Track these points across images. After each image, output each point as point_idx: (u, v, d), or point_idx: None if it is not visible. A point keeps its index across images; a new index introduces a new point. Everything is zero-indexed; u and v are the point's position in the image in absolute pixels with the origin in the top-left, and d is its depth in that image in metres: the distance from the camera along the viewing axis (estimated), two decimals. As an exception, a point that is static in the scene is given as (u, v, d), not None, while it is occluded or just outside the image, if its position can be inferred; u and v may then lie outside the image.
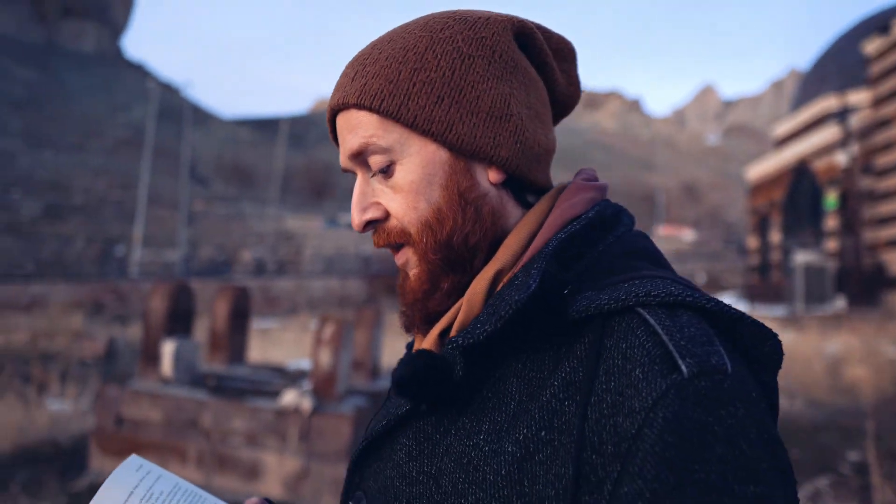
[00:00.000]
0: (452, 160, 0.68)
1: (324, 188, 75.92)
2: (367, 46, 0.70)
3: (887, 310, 16.56)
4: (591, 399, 0.54)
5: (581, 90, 0.80)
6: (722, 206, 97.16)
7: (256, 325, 16.28)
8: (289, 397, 5.23)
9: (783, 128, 25.96)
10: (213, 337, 6.89)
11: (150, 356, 5.83)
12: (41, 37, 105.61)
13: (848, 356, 10.18)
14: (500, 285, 0.65)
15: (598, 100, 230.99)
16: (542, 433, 0.56)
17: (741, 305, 27.37)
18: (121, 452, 5.60)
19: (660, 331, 0.55)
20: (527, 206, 0.72)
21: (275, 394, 5.62)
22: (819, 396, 8.75)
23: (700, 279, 40.37)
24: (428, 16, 0.71)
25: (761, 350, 0.59)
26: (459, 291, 0.69)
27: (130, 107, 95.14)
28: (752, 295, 26.22)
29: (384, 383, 6.65)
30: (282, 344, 13.60)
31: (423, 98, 0.66)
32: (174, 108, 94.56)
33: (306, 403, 5.14)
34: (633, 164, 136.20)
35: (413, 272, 0.70)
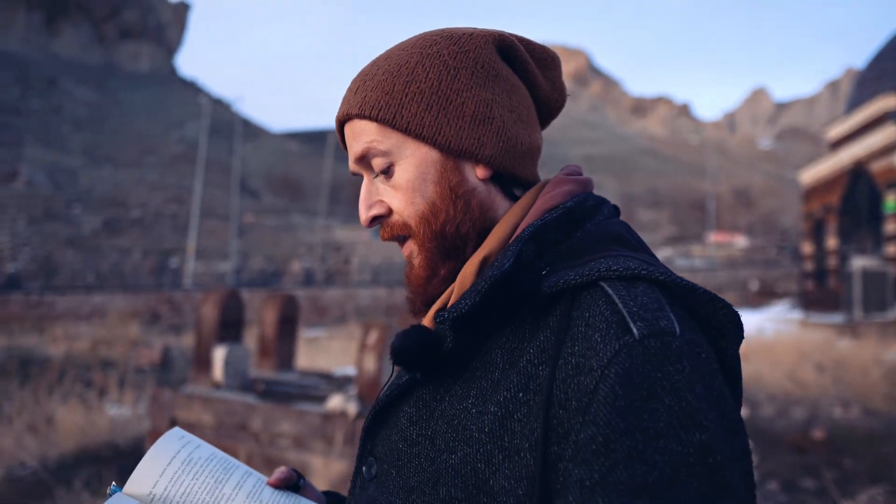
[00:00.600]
0: (443, 159, 0.77)
1: (370, 199, 76.88)
2: (369, 63, 0.81)
3: (952, 316, 15.89)
4: (558, 362, 0.62)
5: (566, 94, 0.88)
6: (776, 212, 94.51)
7: (305, 334, 16.60)
8: (335, 402, 5.35)
9: (838, 129, 25.20)
10: (262, 344, 7.09)
11: (203, 362, 6.04)
12: (101, 59, 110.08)
13: (908, 364, 9.82)
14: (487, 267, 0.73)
15: (645, 105, 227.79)
16: (520, 394, 0.64)
17: (795, 313, 26.56)
18: (175, 454, 5.83)
19: (616, 300, 0.63)
20: (514, 199, 0.81)
21: (321, 398, 5.75)
22: (876, 405, 8.47)
23: (752, 286, 39.33)
24: (421, 34, 0.81)
25: (716, 318, 0.66)
26: (455, 277, 0.78)
27: (184, 123, 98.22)
28: (808, 302, 25.44)
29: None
30: (329, 352, 13.83)
31: (415, 106, 0.75)
32: (225, 123, 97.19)
33: (352, 408, 5.25)
34: (682, 170, 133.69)
35: (415, 261, 0.79)
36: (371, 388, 5.43)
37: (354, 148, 0.79)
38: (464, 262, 0.77)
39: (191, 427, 5.82)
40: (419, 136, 0.75)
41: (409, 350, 0.70)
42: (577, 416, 0.59)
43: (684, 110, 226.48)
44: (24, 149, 69.13)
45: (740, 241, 67.84)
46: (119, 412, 7.90)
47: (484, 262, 0.74)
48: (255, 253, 53.78)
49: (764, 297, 36.78)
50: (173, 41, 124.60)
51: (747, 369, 11.21)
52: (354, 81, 0.80)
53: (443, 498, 0.66)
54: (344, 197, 79.31)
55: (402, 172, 0.77)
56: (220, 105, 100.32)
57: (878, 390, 8.86)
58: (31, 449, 6.44)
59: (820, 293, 24.87)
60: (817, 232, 26.08)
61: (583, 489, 0.56)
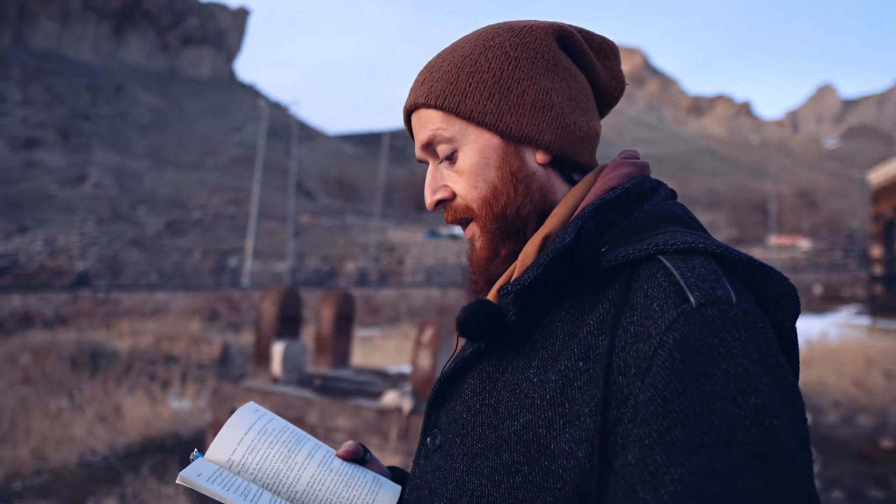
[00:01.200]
0: (504, 145, 0.80)
1: (424, 200, 77.36)
2: (435, 56, 0.84)
3: None
4: (618, 332, 0.64)
5: (625, 83, 0.90)
6: (842, 214, 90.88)
7: (359, 333, 16.83)
8: (390, 398, 5.42)
9: (910, 127, 24.14)
10: (319, 340, 7.23)
11: (262, 356, 6.21)
12: (164, 65, 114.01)
13: None
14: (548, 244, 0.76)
15: (703, 105, 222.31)
16: (580, 364, 0.67)
17: (863, 319, 25.52)
18: (235, 446, 6.01)
19: (674, 271, 0.65)
20: (573, 183, 0.83)
21: (377, 395, 5.84)
22: (951, 414, 8.08)
23: (816, 291, 37.95)
24: (484, 27, 0.85)
25: (773, 290, 0.67)
26: (515, 257, 0.80)
27: (242, 127, 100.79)
28: (876, 307, 24.41)
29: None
30: (383, 351, 13.99)
31: (478, 95, 0.78)
32: (282, 125, 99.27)
33: (406, 404, 5.31)
34: (742, 170, 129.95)
35: (477, 243, 0.82)
36: (426, 384, 5.48)
37: (421, 135, 0.82)
38: (523, 243, 0.80)
39: (250, 420, 6.01)
40: (481, 123, 0.79)
41: (474, 322, 0.73)
42: (636, 381, 0.61)
43: (744, 109, 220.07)
44: (93, 153, 72.20)
45: (803, 243, 65.49)
46: (181, 405, 8.18)
47: (545, 241, 0.76)
48: (311, 253, 54.77)
49: (829, 301, 35.44)
50: (233, 47, 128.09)
51: (810, 375, 10.85)
52: (421, 73, 0.84)
53: (505, 463, 0.68)
54: (397, 198, 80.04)
55: (466, 158, 0.80)
56: (277, 108, 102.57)
57: (953, 399, 8.46)
58: (101, 437, 6.74)
59: (889, 298, 23.83)
60: (887, 234, 25.00)
61: (642, 447, 0.58)
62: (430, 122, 0.81)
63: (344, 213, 72.53)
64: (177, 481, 0.76)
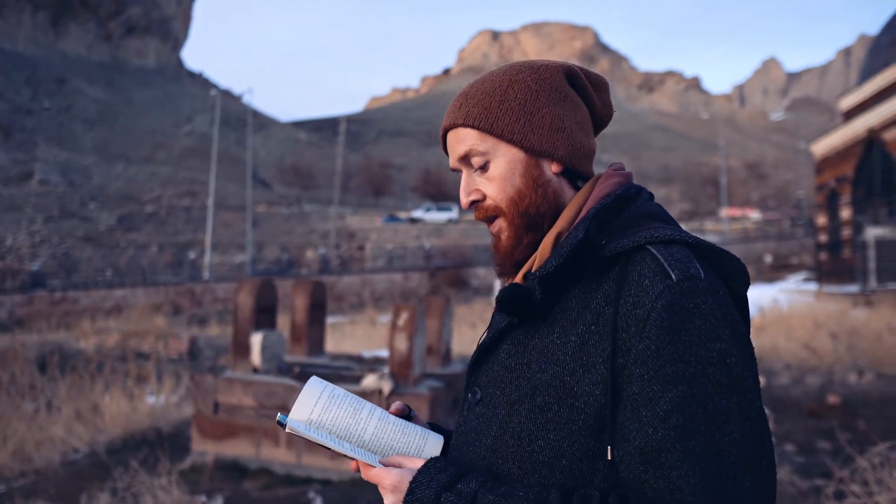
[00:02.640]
0: (527, 158, 1.03)
1: (382, 185, 76.95)
2: (468, 86, 1.07)
3: (968, 282, 15.92)
4: (620, 302, 0.88)
5: (613, 110, 1.14)
6: (789, 184, 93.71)
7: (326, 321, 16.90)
8: (369, 381, 5.63)
9: (852, 98, 25.07)
10: (294, 329, 7.37)
11: (241, 347, 6.34)
12: (108, 56, 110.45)
13: (922, 330, 9.97)
14: (561, 240, 0.99)
15: (654, 81, 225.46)
16: (593, 327, 0.90)
17: (810, 285, 26.59)
18: (219, 436, 6.14)
19: (659, 257, 0.89)
20: (577, 189, 1.07)
21: (356, 379, 6.04)
22: (890, 371, 8.66)
23: (767, 260, 39.27)
24: (509, 64, 1.08)
25: (729, 268, 0.94)
26: (534, 246, 1.04)
27: (192, 117, 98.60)
28: (822, 274, 25.48)
29: (456, 367, 7.00)
30: (353, 337, 14.14)
31: (507, 119, 1.01)
32: (233, 115, 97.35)
33: (386, 385, 5.53)
34: (694, 145, 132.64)
35: (504, 235, 1.05)
36: (403, 367, 5.71)
37: (458, 149, 1.04)
38: (541, 235, 1.03)
39: (233, 409, 6.15)
40: (510, 141, 1.01)
41: (511, 301, 0.96)
42: (635, 336, 0.85)
43: (694, 84, 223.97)
44: (37, 149, 69.81)
45: (753, 214, 67.42)
46: (157, 400, 8.25)
47: (558, 237, 0.99)
48: (270, 243, 54.20)
49: (779, 270, 36.74)
50: (179, 35, 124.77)
51: (763, 340, 11.41)
52: (457, 99, 1.06)
53: (539, 404, 0.92)
54: (354, 184, 79.52)
55: (496, 167, 1.03)
56: (228, 97, 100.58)
57: (892, 357, 9.04)
58: (81, 436, 6.80)
59: (834, 264, 24.90)
60: (831, 203, 26.05)
61: (642, 381, 0.84)
62: (467, 139, 1.03)
63: (301, 201, 71.82)
64: (287, 430, 0.98)
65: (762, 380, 8.84)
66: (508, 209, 1.03)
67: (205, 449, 6.14)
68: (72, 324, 22.64)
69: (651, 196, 1.07)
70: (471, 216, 62.42)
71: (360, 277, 36.49)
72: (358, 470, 1.02)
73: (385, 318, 20.07)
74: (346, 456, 1.01)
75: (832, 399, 7.41)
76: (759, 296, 19.63)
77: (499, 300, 0.98)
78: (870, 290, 17.40)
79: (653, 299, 0.86)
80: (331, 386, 1.08)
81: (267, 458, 5.95)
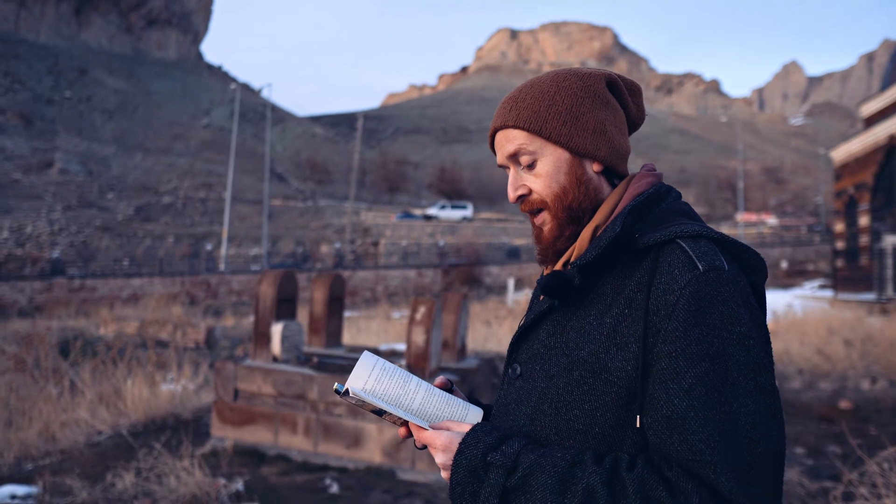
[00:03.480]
0: (572, 158, 1.13)
1: (397, 182, 77.09)
2: (516, 90, 1.17)
3: None
4: (651, 288, 0.99)
5: (645, 114, 1.25)
6: (807, 190, 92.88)
7: (341, 314, 17.04)
8: (386, 372, 5.74)
9: (873, 104, 24.86)
10: (312, 321, 7.51)
11: (262, 336, 6.48)
12: (129, 47, 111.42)
13: (936, 338, 9.95)
14: (599, 233, 1.09)
15: (673, 83, 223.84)
16: (626, 311, 1.01)
17: (826, 292, 26.41)
18: (238, 422, 6.29)
19: (688, 249, 0.99)
20: (614, 186, 1.16)
21: (372, 370, 6.15)
22: (904, 378, 8.66)
23: (782, 266, 39.01)
24: (555, 71, 1.18)
25: (750, 261, 1.04)
26: (574, 238, 1.14)
27: (211, 110, 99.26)
28: (838, 281, 25.29)
29: (471, 362, 7.12)
30: (368, 331, 14.28)
31: (555, 122, 1.11)
32: (251, 108, 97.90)
33: (402, 377, 5.63)
34: (711, 148, 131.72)
35: (547, 227, 1.15)
36: (420, 359, 5.82)
37: (507, 148, 1.14)
38: (580, 228, 1.13)
39: (252, 396, 6.29)
40: (557, 142, 1.11)
41: (554, 285, 1.07)
42: (665, 318, 0.96)
43: (713, 87, 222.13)
44: (58, 138, 70.60)
45: (770, 220, 66.93)
46: (176, 387, 8.42)
47: (595, 230, 1.10)
48: (284, 237, 54.53)
49: (794, 276, 36.50)
50: (199, 28, 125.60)
51: (777, 345, 11.41)
52: (506, 102, 1.16)
53: (576, 378, 1.03)
54: (370, 180, 79.77)
55: (544, 166, 1.13)
56: (247, 90, 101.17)
57: (906, 364, 9.04)
58: (105, 419, 6.98)
59: (851, 272, 24.74)
60: (849, 210, 25.86)
61: (670, 358, 0.94)
62: (516, 139, 1.13)
63: (316, 196, 72.15)
64: (348, 397, 1.09)
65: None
66: (553, 204, 1.13)
67: (224, 434, 6.29)
68: (90, 311, 22.99)
69: (679, 195, 1.16)
70: (485, 215, 62.44)
71: (374, 273, 36.68)
72: (407, 435, 1.14)
73: (399, 314, 20.20)
74: (396, 422, 1.13)
75: (844, 404, 7.44)
76: (774, 301, 19.55)
77: (543, 285, 1.08)
78: (886, 298, 17.30)
79: (682, 287, 0.96)
80: (382, 360, 1.19)
81: (285, 445, 6.09)
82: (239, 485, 5.11)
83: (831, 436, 6.46)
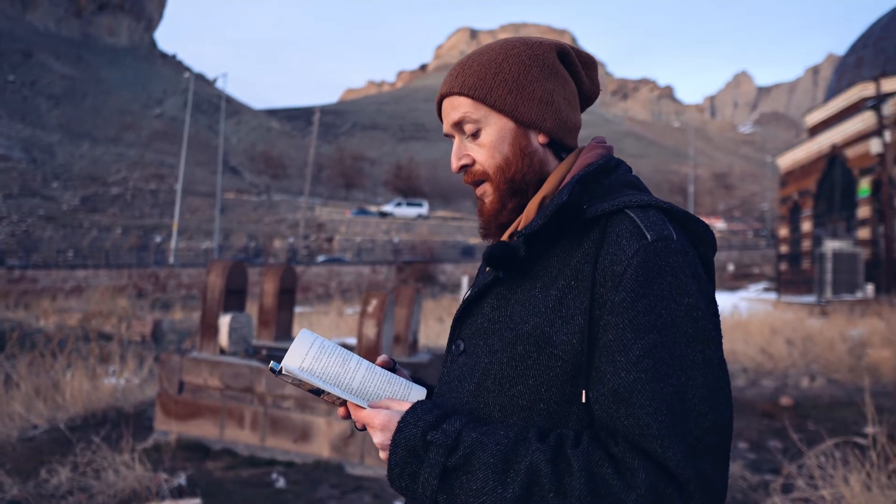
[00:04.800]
0: (516, 128, 1.09)
1: (353, 178, 76.48)
2: (465, 57, 1.13)
3: (918, 297, 16.48)
4: (598, 259, 0.95)
5: (600, 88, 1.22)
6: (754, 196, 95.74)
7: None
8: (336, 365, 5.66)
9: (817, 115, 25.72)
10: (262, 313, 7.36)
11: (209, 328, 6.32)
12: (77, 32, 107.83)
13: (871, 339, 10.34)
14: (545, 203, 1.06)
15: (629, 87, 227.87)
16: (572, 282, 0.98)
17: (770, 294, 27.25)
18: (183, 416, 6.12)
19: (636, 219, 0.97)
20: (561, 159, 1.13)
21: (323, 363, 6.05)
22: (840, 376, 8.98)
23: (729, 269, 40.11)
24: (505, 39, 1.15)
25: (698, 232, 1.02)
26: (517, 211, 1.10)
27: (163, 100, 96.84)
28: (782, 284, 26.11)
29: (423, 357, 7.08)
30: (320, 326, 14.12)
31: (500, 90, 1.07)
32: (205, 99, 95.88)
33: (353, 371, 5.56)
34: (664, 153, 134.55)
35: (489, 199, 1.11)
36: (371, 353, 5.76)
37: (452, 116, 1.10)
38: (525, 200, 1.09)
39: (198, 389, 6.13)
40: (502, 111, 1.07)
41: (498, 255, 1.03)
42: (612, 289, 0.93)
43: (667, 93, 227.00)
44: None
45: (719, 224, 68.76)
46: (119, 381, 8.16)
47: (542, 201, 1.06)
48: (237, 231, 53.59)
49: (740, 278, 37.55)
50: (153, 15, 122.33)
51: (723, 344, 11.69)
52: (455, 69, 1.12)
53: (520, 353, 0.99)
54: (325, 176, 78.92)
55: (487, 135, 1.09)
56: (201, 81, 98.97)
57: (843, 363, 9.37)
58: (41, 412, 6.70)
59: (794, 275, 25.57)
60: (793, 216, 26.72)
61: (617, 329, 0.91)
62: (461, 107, 1.09)
63: (270, 190, 71.07)
64: (283, 372, 1.04)
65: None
66: (495, 175, 1.09)
67: (168, 428, 6.12)
68: (31, 303, 22.15)
69: (630, 169, 1.14)
70: (440, 213, 62.49)
71: (328, 269, 36.33)
72: (346, 416, 1.09)
73: (352, 311, 20.05)
74: (335, 402, 1.08)
75: (785, 401, 7.66)
76: (721, 303, 19.95)
77: (486, 255, 1.04)
78: (826, 300, 17.92)
79: (629, 256, 0.93)
80: (321, 338, 1.14)
81: (231, 439, 5.95)
82: (181, 479, 4.97)
83: (773, 431, 6.64)
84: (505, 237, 1.10)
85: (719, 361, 0.93)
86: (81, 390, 7.12)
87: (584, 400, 0.95)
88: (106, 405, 7.16)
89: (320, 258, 42.65)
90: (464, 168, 1.13)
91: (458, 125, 1.11)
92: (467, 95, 1.08)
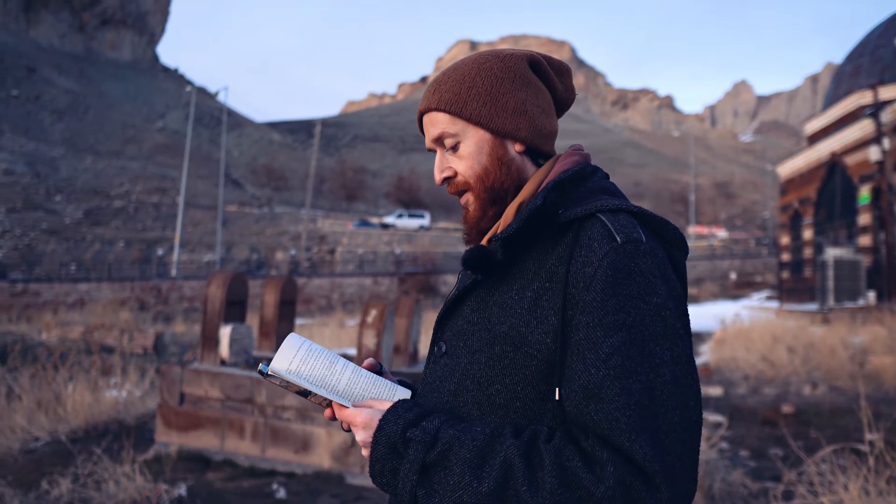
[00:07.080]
0: (493, 139, 1.13)
1: (355, 190, 76.60)
2: (441, 73, 1.18)
3: (920, 304, 16.44)
4: (572, 261, 0.99)
5: (576, 94, 1.26)
6: (756, 204, 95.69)
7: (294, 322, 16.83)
8: (336, 376, 5.67)
9: (816, 123, 25.77)
10: (262, 324, 7.39)
11: (209, 339, 6.34)
12: (81, 47, 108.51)
13: (873, 346, 10.33)
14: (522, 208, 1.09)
15: (628, 98, 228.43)
16: (547, 284, 1.01)
17: (772, 303, 27.20)
18: (184, 427, 6.14)
19: (607, 223, 1.00)
20: (539, 166, 1.18)
21: (323, 374, 6.07)
22: (842, 383, 8.96)
23: (731, 277, 40.04)
24: (478, 53, 1.19)
25: (669, 235, 1.05)
26: (499, 217, 1.15)
27: (165, 113, 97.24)
28: (784, 292, 26.07)
29: (422, 367, 7.09)
30: (321, 337, 14.13)
31: (475, 103, 1.12)
32: (207, 112, 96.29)
33: (353, 381, 5.57)
34: (665, 162, 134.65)
35: (471, 207, 1.16)
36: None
37: (432, 131, 1.16)
38: (504, 207, 1.14)
39: (199, 400, 6.15)
40: (478, 123, 1.12)
41: (476, 259, 1.07)
42: (583, 290, 0.97)
43: (667, 102, 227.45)
44: (3, 137, 68.23)
45: (721, 233, 68.72)
46: (121, 393, 8.17)
47: (520, 206, 1.10)
48: (239, 243, 53.64)
49: (743, 287, 37.49)
50: (155, 29, 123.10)
51: (724, 352, 11.68)
52: (431, 85, 1.17)
53: (497, 353, 1.03)
54: (327, 188, 79.06)
55: (466, 147, 1.14)
56: (203, 94, 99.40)
57: (844, 370, 9.36)
58: (43, 425, 6.72)
59: (795, 283, 25.52)
60: (794, 224, 26.71)
61: (587, 328, 0.95)
62: (440, 122, 1.14)
63: (272, 203, 71.18)
64: (269, 372, 1.07)
65: (720, 389, 9.08)
66: (476, 185, 1.14)
67: (169, 440, 6.13)
68: (33, 316, 22.19)
69: (606, 176, 1.18)
70: (442, 224, 62.54)
71: (330, 280, 36.34)
72: (333, 417, 1.12)
73: (353, 322, 20.04)
74: (322, 403, 1.11)
75: (786, 408, 7.65)
76: (723, 311, 20.05)
77: (465, 259, 1.08)
78: (827, 308, 17.88)
79: (600, 258, 0.97)
80: (309, 341, 1.17)
81: (231, 450, 5.97)
82: (182, 490, 4.98)
83: (774, 439, 6.63)
84: (484, 241, 1.14)
85: (687, 359, 0.96)
86: (83, 403, 7.14)
87: (557, 397, 0.98)
88: (107, 417, 7.18)
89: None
90: (447, 180, 1.17)
91: (439, 140, 1.16)
92: (444, 111, 1.13)
